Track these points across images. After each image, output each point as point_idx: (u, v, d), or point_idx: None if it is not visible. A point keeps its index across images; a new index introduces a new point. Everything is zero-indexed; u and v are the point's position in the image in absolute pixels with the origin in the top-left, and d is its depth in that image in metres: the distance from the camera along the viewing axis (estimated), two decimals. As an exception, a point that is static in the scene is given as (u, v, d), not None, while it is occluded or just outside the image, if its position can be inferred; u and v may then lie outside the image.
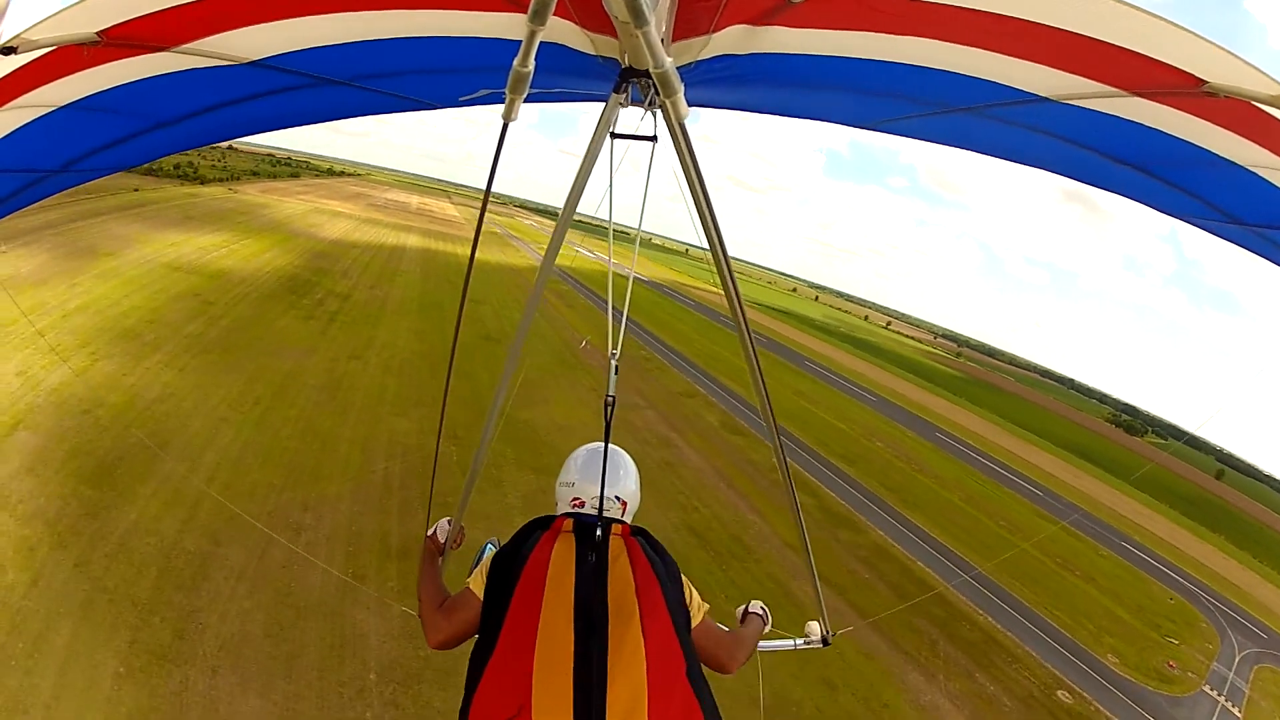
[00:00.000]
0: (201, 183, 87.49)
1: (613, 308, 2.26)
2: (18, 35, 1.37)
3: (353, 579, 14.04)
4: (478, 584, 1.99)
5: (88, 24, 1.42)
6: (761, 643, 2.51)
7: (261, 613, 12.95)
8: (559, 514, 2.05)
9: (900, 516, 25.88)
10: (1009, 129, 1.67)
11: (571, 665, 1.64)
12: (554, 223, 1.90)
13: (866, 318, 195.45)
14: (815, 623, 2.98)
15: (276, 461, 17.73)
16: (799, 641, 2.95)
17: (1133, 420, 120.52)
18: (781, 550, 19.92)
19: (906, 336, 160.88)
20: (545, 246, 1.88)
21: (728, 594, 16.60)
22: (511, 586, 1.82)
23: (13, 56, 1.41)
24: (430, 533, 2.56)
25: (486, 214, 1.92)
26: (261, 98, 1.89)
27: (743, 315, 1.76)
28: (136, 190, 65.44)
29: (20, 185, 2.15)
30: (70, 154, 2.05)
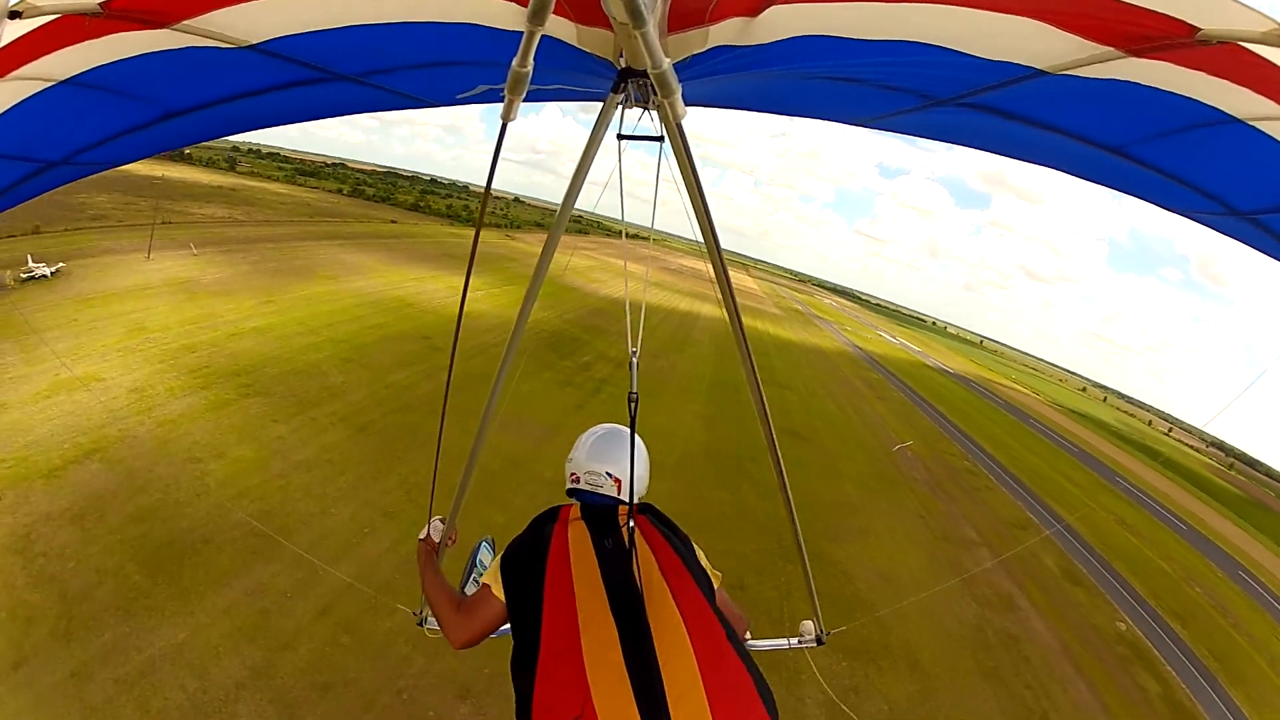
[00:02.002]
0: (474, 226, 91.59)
1: (630, 308, 2.38)
2: (23, 0, 1.37)
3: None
4: (493, 581, 2.00)
5: None
6: (757, 642, 2.60)
7: None
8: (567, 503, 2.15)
9: (1229, 700, 18.63)
10: (1005, 122, 1.68)
11: (621, 655, 1.63)
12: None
13: (1150, 422, 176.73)
14: (810, 621, 2.93)
15: (446, 600, 11.69)
16: (793, 641, 2.90)
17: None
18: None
19: (1187, 446, 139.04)
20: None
21: None
22: (538, 582, 1.82)
23: (18, 21, 1.42)
24: (423, 535, 2.59)
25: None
26: (261, 94, 1.94)
27: (738, 321, 1.82)
28: (394, 222, 65.25)
29: (23, 175, 2.14)
30: (73, 142, 2.07)
